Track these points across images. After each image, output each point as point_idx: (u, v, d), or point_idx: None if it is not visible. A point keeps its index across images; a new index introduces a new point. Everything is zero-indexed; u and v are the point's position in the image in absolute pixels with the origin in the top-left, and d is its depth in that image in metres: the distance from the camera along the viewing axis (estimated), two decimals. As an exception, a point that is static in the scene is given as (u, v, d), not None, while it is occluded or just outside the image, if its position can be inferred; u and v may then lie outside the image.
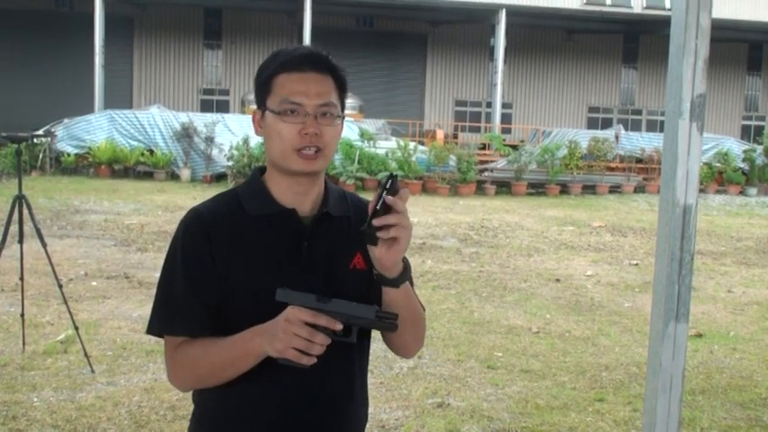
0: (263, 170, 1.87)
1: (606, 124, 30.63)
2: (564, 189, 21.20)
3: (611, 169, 22.60)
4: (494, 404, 5.38)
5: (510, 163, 21.37)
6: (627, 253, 12.31)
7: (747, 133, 30.58)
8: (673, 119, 3.09)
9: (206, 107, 29.87)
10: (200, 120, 21.28)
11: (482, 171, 21.25)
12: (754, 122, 32.42)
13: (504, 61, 27.26)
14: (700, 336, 7.43)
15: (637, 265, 11.25)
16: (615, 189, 21.63)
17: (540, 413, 5.28)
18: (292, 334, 1.61)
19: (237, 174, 19.46)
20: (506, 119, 29.90)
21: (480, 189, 20.50)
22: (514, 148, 22.75)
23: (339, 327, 1.66)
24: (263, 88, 1.80)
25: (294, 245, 1.79)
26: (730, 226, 16.10)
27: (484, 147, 24.81)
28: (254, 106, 1.85)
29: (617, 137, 23.39)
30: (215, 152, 20.48)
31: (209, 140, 20.53)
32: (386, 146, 20.79)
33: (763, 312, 8.52)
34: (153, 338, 6.50)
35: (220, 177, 20.14)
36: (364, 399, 1.93)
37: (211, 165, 20.48)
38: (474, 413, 5.19)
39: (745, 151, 23.07)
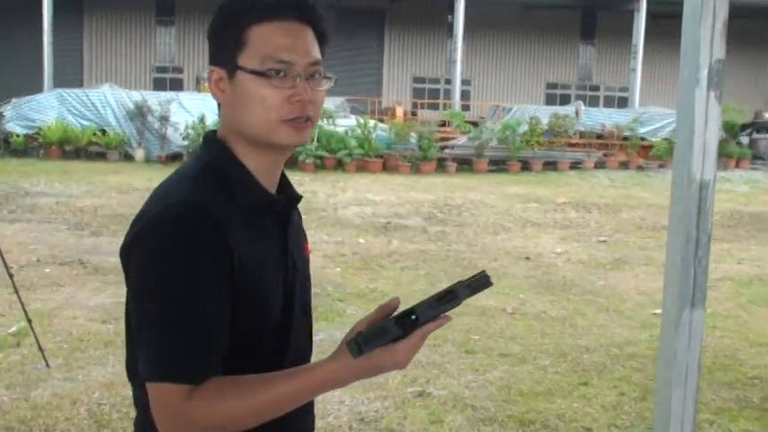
0: (221, 142, 1.47)
1: (564, 100, 30.57)
2: (525, 166, 21.05)
3: (572, 145, 22.52)
4: (476, 392, 5.14)
5: (471, 140, 21.17)
6: (594, 230, 12.17)
7: (703, 108, 30.66)
8: (688, 87, 2.82)
9: (159, 86, 29.13)
10: (154, 98, 20.67)
11: (443, 148, 21.02)
12: (711, 97, 32.54)
13: (463, 38, 26.99)
14: (677, 314, 7.26)
15: (605, 241, 11.11)
16: (576, 165, 21.55)
17: (524, 400, 5.05)
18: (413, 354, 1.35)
19: (194, 154, 18.94)
20: (465, 95, 29.66)
21: (441, 166, 20.27)
22: (474, 124, 22.54)
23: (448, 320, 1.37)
24: (232, 40, 1.41)
25: (281, 237, 1.50)
26: (693, 201, 16.06)
27: (444, 124, 24.56)
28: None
29: (577, 113, 23.30)
30: (170, 131, 19.93)
31: (164, 119, 19.97)
32: (345, 124, 20.45)
33: (737, 288, 8.41)
34: (112, 328, 5.98)
35: (176, 157, 19.62)
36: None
37: (166, 145, 19.94)
38: (456, 402, 4.94)
39: (704, 126, 23.12)
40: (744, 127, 24.23)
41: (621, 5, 27.47)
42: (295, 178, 18.42)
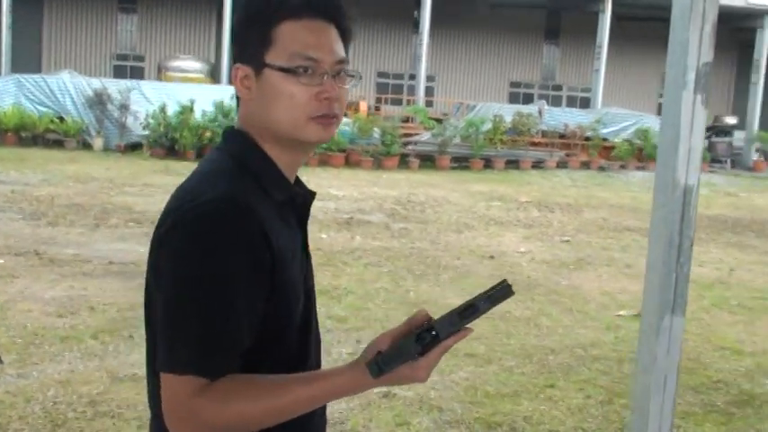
0: (246, 137, 1.46)
1: (527, 100, 30.68)
2: (488, 164, 21.09)
3: (535, 144, 22.61)
4: (442, 393, 5.06)
5: (434, 136, 21.14)
6: (557, 229, 12.19)
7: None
8: (675, 90, 2.77)
9: (120, 73, 28.64)
10: (115, 86, 20.28)
11: (406, 144, 20.97)
12: (670, 100, 32.94)
13: (429, 34, 26.94)
14: (638, 316, 7.27)
15: (568, 241, 11.12)
16: (538, 164, 21.63)
17: (491, 402, 4.99)
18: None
19: (154, 143, 18.67)
20: (429, 92, 29.62)
21: (404, 162, 20.22)
22: (438, 121, 22.51)
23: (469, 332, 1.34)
24: (259, 38, 1.42)
25: (302, 233, 1.52)
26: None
27: (407, 120, 24.51)
28: (239, 63, 1.45)
29: (540, 112, 23.39)
30: (130, 120, 19.60)
31: (124, 108, 19.63)
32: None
33: (699, 290, 8.43)
34: (68, 322, 5.80)
35: (135, 147, 19.31)
36: None
37: (126, 134, 19.61)
38: (422, 403, 4.86)
39: (664, 128, 23.36)
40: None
41: (586, 6, 27.60)
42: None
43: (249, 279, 1.31)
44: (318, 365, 1.56)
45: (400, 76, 32.58)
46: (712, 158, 23.54)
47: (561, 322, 6.98)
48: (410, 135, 22.16)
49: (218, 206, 1.31)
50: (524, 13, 31.28)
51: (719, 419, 4.91)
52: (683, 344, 6.54)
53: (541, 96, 30.25)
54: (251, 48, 1.42)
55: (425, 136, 21.65)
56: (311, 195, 1.54)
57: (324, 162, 19.05)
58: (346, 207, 12.99)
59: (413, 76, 30.79)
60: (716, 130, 25.18)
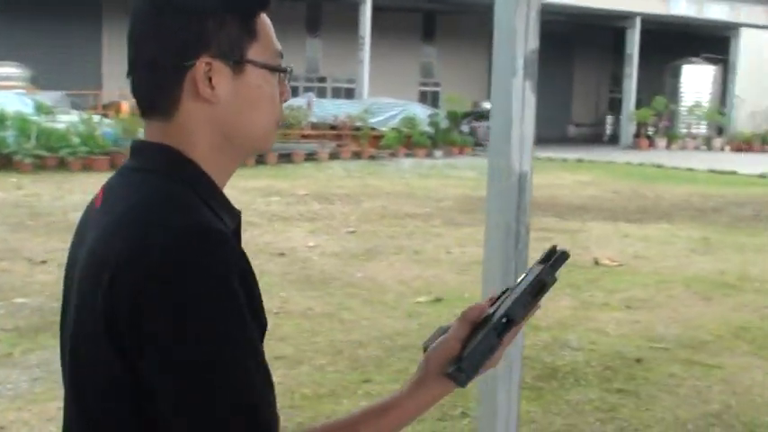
0: (177, 155, 1.16)
1: (293, 93, 30.52)
2: (260, 158, 20.81)
3: (306, 137, 22.66)
4: (259, 401, 4.87)
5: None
6: (340, 221, 12.24)
7: (425, 99, 32.20)
8: (504, 77, 2.76)
9: None
10: None
11: (175, 143, 20.28)
12: (430, 89, 34.33)
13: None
14: (439, 300, 7.45)
15: (354, 232, 11.20)
16: (311, 156, 21.69)
17: (310, 404, 4.87)
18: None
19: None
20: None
21: (174, 162, 19.52)
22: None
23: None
24: (241, 29, 1.17)
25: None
26: (427, 187, 16.74)
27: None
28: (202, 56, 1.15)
29: (309, 104, 23.48)
30: None
31: None
32: (67, 120, 19.09)
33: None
34: None
35: None
36: None
37: None
38: (241, 414, 4.64)
39: (430, 116, 24.24)
40: (465, 116, 25.75)
41: (343, -1, 28.06)
42: (12, 180, 16.73)
43: (249, 316, 1.06)
44: None
45: (161, 73, 31.50)
46: (474, 142, 24.70)
47: (363, 314, 6.98)
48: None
49: (194, 240, 1.03)
50: (286, 7, 31.28)
51: (531, 396, 5.09)
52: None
53: (307, 89, 30.37)
54: (227, 40, 1.15)
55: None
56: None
57: (87, 166, 17.93)
58: (120, 212, 12.32)
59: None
60: (475, 114, 26.47)
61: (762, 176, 20.36)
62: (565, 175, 19.38)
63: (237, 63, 1.16)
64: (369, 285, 8.04)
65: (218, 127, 1.17)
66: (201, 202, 1.12)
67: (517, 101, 2.73)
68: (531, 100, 2.74)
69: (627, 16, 31.03)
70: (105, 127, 19.22)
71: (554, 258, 1.21)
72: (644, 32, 30.81)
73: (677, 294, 7.94)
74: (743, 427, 4.70)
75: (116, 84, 30.01)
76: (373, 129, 23.15)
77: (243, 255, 1.08)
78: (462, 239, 10.65)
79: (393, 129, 23.06)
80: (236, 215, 1.19)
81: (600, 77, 38.08)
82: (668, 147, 30.10)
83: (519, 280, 1.22)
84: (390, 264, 9.12)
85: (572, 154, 23.76)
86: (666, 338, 6.42)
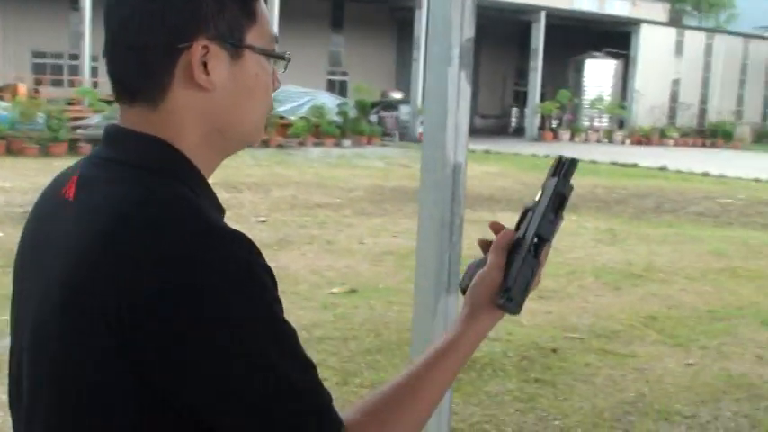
0: (168, 149, 1.04)
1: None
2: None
3: (213, 124, 22.29)
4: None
5: (106, 119, 19.98)
6: (250, 210, 12.05)
7: (332, 88, 32.08)
8: (439, 67, 2.69)
9: None
10: None
11: (75, 129, 19.62)
12: (338, 78, 34.21)
13: (92, 10, 25.39)
14: (354, 291, 7.38)
15: (265, 222, 11.03)
16: (218, 144, 21.36)
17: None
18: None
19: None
20: (95, 73, 27.90)
21: (74, 148, 18.85)
22: (109, 103, 21.31)
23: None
24: (241, 11, 1.05)
25: None
26: (337, 177, 16.65)
27: (73, 102, 22.94)
28: (200, 39, 1.02)
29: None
30: None
31: None
32: (-41, 103, 18.26)
33: (400, 261, 8.75)
34: None
35: None
36: None
37: None
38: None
39: (338, 105, 24.13)
40: (373, 106, 25.74)
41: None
42: None
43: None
44: None
45: (59, 56, 30.43)
46: (383, 132, 24.74)
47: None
48: (78, 119, 20.76)
49: (216, 241, 0.95)
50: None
51: (454, 385, 5.07)
52: (398, 315, 6.70)
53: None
54: (226, 22, 1.03)
55: (96, 119, 20.41)
56: None
57: (-19, 152, 17.22)
58: (18, 200, 11.84)
59: (74, 56, 28.90)
60: (383, 104, 26.51)
61: (661, 169, 21.06)
62: (473, 166, 19.52)
63: (236, 47, 1.05)
64: (282, 275, 7.89)
65: (210, 117, 1.05)
66: (196, 202, 1.00)
67: (452, 91, 2.67)
68: (466, 90, 2.69)
69: (532, 10, 31.63)
70: (0, 111, 18.44)
71: (564, 169, 1.20)
72: (549, 27, 31.47)
73: (587, 285, 8.09)
74: (657, 415, 4.80)
75: (12, 66, 28.87)
76: (281, 117, 22.91)
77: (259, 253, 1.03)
78: (374, 230, 10.61)
79: (301, 117, 22.89)
80: (222, 212, 1.08)
81: (506, 70, 38.77)
82: (572, 139, 30.90)
83: (537, 198, 1.20)
84: (302, 253, 9.01)
85: (479, 145, 24.03)
86: (580, 328, 6.52)
